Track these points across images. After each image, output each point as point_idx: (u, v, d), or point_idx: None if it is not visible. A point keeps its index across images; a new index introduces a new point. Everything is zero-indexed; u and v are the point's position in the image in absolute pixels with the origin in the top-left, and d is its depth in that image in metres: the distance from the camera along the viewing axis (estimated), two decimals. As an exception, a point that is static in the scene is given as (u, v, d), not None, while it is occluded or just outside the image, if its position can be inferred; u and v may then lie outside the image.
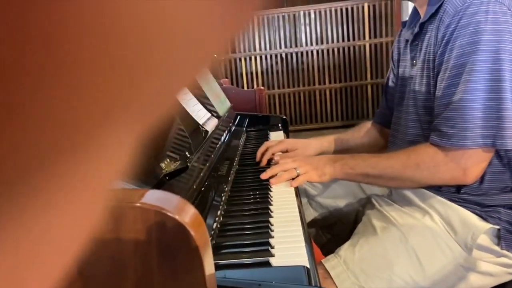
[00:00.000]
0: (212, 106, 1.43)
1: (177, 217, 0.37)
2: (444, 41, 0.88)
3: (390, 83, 1.20)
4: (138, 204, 0.36)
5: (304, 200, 1.25)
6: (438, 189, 0.95)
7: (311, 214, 1.25)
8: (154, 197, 0.39)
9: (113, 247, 0.35)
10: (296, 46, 4.97)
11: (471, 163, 0.86)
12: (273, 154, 1.19)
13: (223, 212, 0.87)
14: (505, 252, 0.89)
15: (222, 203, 0.92)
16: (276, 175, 1.02)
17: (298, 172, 1.01)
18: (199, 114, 1.22)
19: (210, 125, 1.24)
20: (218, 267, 0.65)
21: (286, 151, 1.20)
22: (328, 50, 4.93)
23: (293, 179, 1.01)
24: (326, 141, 1.29)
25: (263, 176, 1.03)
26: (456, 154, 0.86)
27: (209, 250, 0.39)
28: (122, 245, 0.35)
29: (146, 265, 0.36)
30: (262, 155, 1.19)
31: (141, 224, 0.35)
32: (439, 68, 0.90)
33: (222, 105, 1.53)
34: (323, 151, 1.25)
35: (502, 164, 0.90)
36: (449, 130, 0.86)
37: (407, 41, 1.05)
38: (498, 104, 0.82)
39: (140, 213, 0.35)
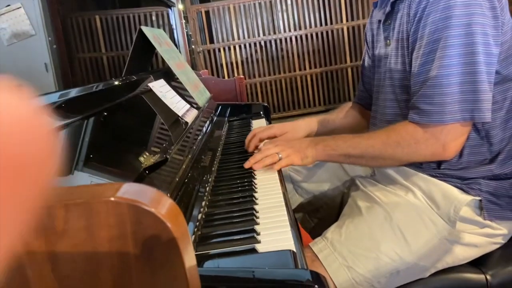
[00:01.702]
0: (191, 97, 1.41)
1: (152, 209, 0.35)
2: (416, 18, 0.88)
3: (366, 65, 1.19)
4: (111, 199, 0.34)
5: (290, 187, 1.25)
6: (419, 166, 0.96)
7: (297, 199, 1.24)
8: (128, 191, 0.37)
9: (86, 245, 0.33)
10: (274, 33, 4.94)
11: (450, 138, 0.86)
12: (260, 141, 1.18)
13: (207, 203, 0.86)
14: (488, 222, 0.90)
15: (206, 193, 0.91)
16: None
17: (280, 156, 1.01)
18: (178, 106, 1.20)
19: (190, 116, 1.22)
20: (204, 257, 0.64)
21: (275, 137, 1.19)
22: (306, 36, 4.92)
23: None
24: (314, 121, 1.28)
25: (246, 165, 1.02)
26: (435, 130, 0.86)
27: (188, 241, 0.38)
28: (95, 242, 0.34)
29: (122, 261, 0.35)
30: (250, 142, 1.18)
31: (114, 219, 0.34)
32: (413, 45, 0.90)
33: (202, 95, 1.51)
34: (312, 131, 1.24)
35: (480, 137, 0.91)
36: (427, 107, 0.86)
37: (379, 21, 1.04)
38: (473, 77, 0.82)
39: (113, 207, 0.34)
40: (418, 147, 0.89)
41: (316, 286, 0.48)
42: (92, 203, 0.33)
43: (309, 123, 1.28)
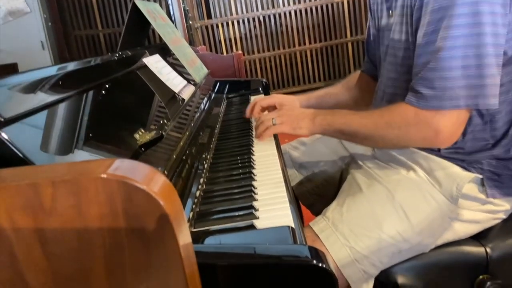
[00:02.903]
0: (188, 73, 1.38)
1: (143, 186, 0.34)
2: None
3: (371, 36, 1.15)
4: (99, 175, 0.33)
5: (289, 163, 1.24)
6: (420, 148, 0.93)
7: (297, 176, 1.24)
8: (119, 167, 0.36)
9: (76, 223, 0.32)
10: (273, 7, 4.85)
11: (444, 124, 0.81)
12: (262, 110, 1.20)
13: (205, 180, 0.86)
14: (490, 199, 0.89)
15: (204, 170, 0.90)
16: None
17: (274, 122, 1.01)
18: (174, 82, 1.18)
19: (187, 92, 1.20)
20: (202, 234, 0.64)
21: (275, 108, 1.19)
22: (306, 10, 4.83)
23: None
24: (314, 96, 1.27)
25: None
26: (428, 114, 0.82)
27: (182, 219, 0.37)
28: (85, 220, 0.32)
29: (114, 239, 0.34)
30: (251, 112, 1.19)
31: (103, 196, 0.32)
32: (417, 24, 0.85)
33: (199, 72, 1.48)
34: (311, 107, 1.23)
35: (483, 122, 0.87)
36: (426, 91, 0.81)
37: None
38: (479, 61, 0.77)
39: (102, 184, 0.32)
40: (408, 130, 0.85)
41: (314, 261, 0.47)
42: (80, 180, 0.32)
43: (309, 99, 1.26)
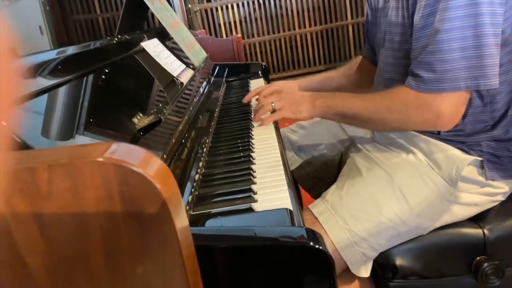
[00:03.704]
0: (187, 58, 1.37)
1: (139, 170, 0.34)
2: None
3: (369, 20, 1.14)
4: (95, 159, 0.33)
5: (288, 147, 1.24)
6: (420, 131, 0.93)
7: (296, 160, 1.24)
8: (116, 151, 0.36)
9: (72, 206, 0.33)
10: (273, -10, 4.78)
11: (445, 107, 0.81)
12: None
13: (204, 163, 0.86)
14: (489, 181, 0.89)
15: (203, 154, 0.90)
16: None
17: (273, 106, 1.01)
18: (173, 66, 1.17)
19: (186, 76, 1.19)
20: (200, 217, 0.64)
21: None
22: (306, -8, 4.77)
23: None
24: (316, 80, 1.26)
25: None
26: (429, 98, 0.81)
27: (179, 202, 0.37)
28: (81, 203, 0.33)
29: (111, 222, 0.34)
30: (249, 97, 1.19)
31: (100, 180, 0.33)
32: (414, 7, 0.84)
33: (198, 55, 1.47)
34: (311, 90, 1.22)
35: (483, 103, 0.87)
36: (425, 74, 0.80)
37: None
38: (478, 41, 0.76)
39: (98, 168, 0.33)
40: (409, 113, 0.84)
41: (311, 243, 0.48)
42: (76, 164, 0.32)
43: (310, 82, 1.25)
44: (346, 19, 4.84)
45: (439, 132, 0.90)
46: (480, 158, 0.88)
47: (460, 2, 0.76)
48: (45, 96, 0.64)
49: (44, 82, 0.68)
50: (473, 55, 0.77)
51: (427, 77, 0.81)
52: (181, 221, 0.37)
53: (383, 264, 0.89)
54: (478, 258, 0.89)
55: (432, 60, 0.79)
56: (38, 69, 0.70)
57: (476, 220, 0.92)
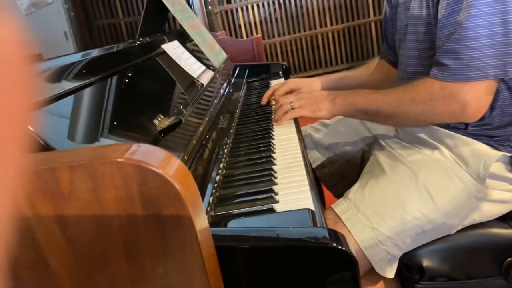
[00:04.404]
0: (207, 59, 1.38)
1: (159, 170, 0.34)
2: None
3: (388, 16, 1.12)
4: (115, 159, 0.33)
5: (310, 145, 1.23)
6: (445, 127, 0.90)
7: (318, 158, 1.23)
8: (136, 151, 0.36)
9: (93, 207, 0.33)
10: (293, -11, 4.76)
11: (471, 97, 0.79)
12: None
13: (225, 164, 0.86)
14: (518, 178, 0.86)
15: (224, 155, 0.90)
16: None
17: (292, 105, 1.00)
18: (193, 67, 1.18)
19: (206, 78, 1.20)
20: (221, 218, 0.64)
21: (292, 92, 1.18)
22: (326, -10, 4.72)
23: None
24: (333, 79, 1.25)
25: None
26: (455, 87, 0.79)
27: (198, 203, 0.37)
28: (102, 203, 0.33)
29: (131, 222, 0.34)
30: (268, 99, 1.19)
31: (119, 180, 0.33)
32: None
33: (218, 56, 1.47)
34: (329, 88, 1.21)
35: None
36: (451, 63, 0.78)
37: None
38: (505, 28, 0.74)
39: (117, 168, 0.33)
40: (434, 105, 0.82)
41: (334, 244, 0.47)
42: (96, 165, 0.32)
43: (327, 81, 1.25)
44: (368, 16, 4.78)
45: (466, 127, 0.87)
46: (509, 154, 0.85)
47: None
48: (69, 98, 0.66)
49: (68, 84, 0.69)
50: (501, 42, 0.75)
51: (453, 66, 0.78)
52: (200, 221, 0.36)
53: (409, 266, 0.87)
54: (509, 259, 0.86)
55: (458, 48, 0.77)
56: (62, 72, 0.71)
57: (506, 219, 0.89)
